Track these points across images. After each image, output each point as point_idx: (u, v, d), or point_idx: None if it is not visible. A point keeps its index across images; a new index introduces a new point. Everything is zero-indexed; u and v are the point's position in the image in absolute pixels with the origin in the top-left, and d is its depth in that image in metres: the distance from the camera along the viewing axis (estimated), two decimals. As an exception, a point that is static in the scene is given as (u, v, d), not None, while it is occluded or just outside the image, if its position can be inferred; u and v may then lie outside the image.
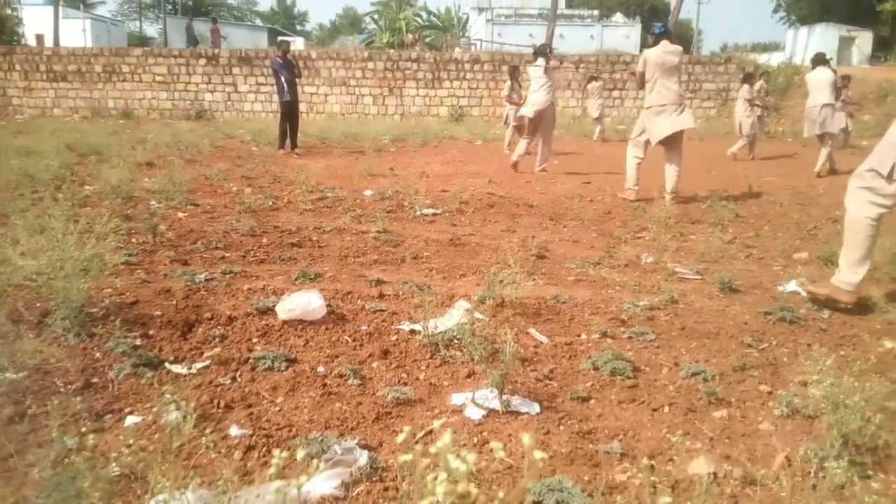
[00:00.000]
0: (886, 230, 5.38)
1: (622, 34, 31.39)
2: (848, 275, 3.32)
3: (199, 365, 2.62)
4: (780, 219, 6.00)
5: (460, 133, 16.78)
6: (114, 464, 1.78)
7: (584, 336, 3.04)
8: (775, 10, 38.14)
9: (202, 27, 27.93)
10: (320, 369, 2.59)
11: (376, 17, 33.98)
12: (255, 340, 2.88)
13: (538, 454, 0.85)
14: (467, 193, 7.23)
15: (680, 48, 6.81)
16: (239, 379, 2.52)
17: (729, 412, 2.31)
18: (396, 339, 2.90)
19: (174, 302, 3.28)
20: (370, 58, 21.39)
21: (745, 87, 11.91)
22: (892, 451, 1.99)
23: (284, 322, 3.02)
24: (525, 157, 9.19)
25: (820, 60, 9.76)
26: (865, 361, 2.67)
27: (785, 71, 20.63)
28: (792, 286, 3.75)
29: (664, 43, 6.67)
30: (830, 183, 8.50)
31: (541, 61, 9.01)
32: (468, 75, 20.95)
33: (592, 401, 2.40)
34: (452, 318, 3.01)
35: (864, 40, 28.63)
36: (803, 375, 2.45)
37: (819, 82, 9.46)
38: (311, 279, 3.76)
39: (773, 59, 25.53)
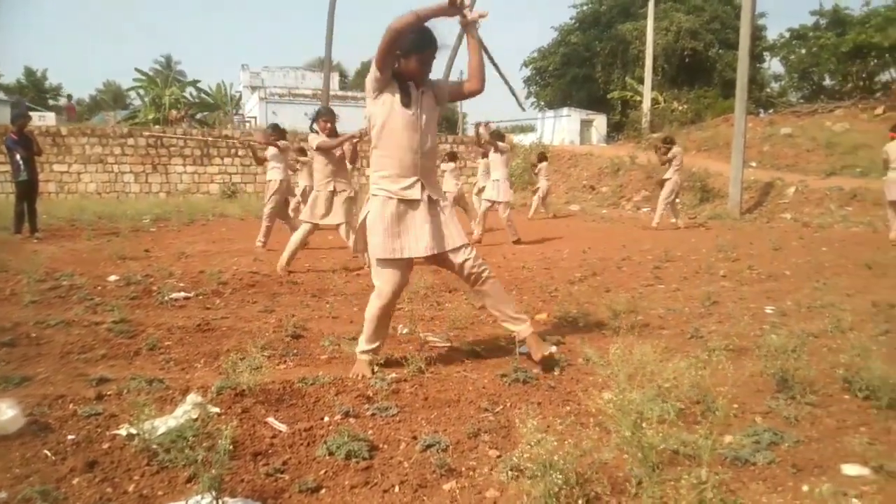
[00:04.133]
0: (620, 289, 6.05)
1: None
2: None
3: None
4: (527, 283, 6.48)
5: (232, 210, 16.23)
6: None
7: (326, 419, 2.92)
8: (527, 97, 42.80)
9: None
10: (1, 495, 2.17)
11: (141, 92, 32.19)
12: (-78, 469, 2.36)
13: None
14: (228, 273, 6.90)
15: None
16: None
17: (458, 482, 2.31)
18: (109, 447, 2.54)
19: None
20: (130, 134, 20.07)
21: (544, 163, 16.11)
22: (601, 502, 2.10)
23: (-34, 441, 2.53)
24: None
25: None
26: (584, 415, 2.88)
27: (536, 149, 23.01)
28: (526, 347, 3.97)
29: None
30: (573, 248, 9.45)
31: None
32: (241, 152, 20.45)
33: (323, 490, 2.26)
34: (179, 416, 2.73)
35: (600, 123, 32.96)
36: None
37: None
38: (15, 384, 3.23)
39: (527, 139, 28.43)
